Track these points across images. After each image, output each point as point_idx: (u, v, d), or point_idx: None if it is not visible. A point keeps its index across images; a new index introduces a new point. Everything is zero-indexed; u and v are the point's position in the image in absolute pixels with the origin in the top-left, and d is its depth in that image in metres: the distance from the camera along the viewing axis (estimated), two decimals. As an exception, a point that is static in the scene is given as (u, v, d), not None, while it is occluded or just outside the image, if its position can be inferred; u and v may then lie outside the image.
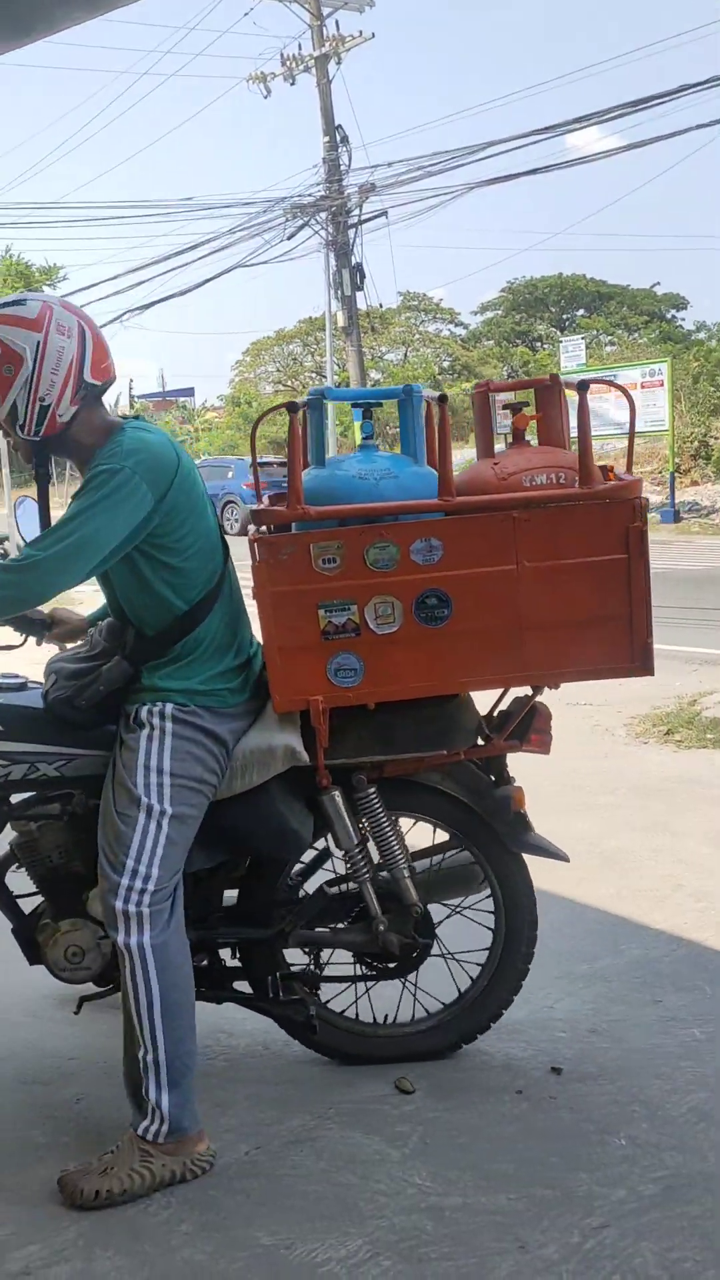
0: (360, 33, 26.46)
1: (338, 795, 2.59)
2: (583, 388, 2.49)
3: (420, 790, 2.69)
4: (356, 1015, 2.83)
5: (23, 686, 2.66)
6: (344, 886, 2.76)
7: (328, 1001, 2.80)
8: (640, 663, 2.55)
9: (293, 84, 27.28)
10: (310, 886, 2.80)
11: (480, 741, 2.69)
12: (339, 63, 26.77)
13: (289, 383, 57.83)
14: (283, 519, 2.50)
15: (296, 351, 57.96)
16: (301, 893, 2.79)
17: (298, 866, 2.77)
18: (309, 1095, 2.67)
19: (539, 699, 2.72)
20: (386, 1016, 2.84)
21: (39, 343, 2.32)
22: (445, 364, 54.40)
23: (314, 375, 56.88)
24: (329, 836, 2.67)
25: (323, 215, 26.03)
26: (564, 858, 2.74)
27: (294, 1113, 2.60)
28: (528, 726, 2.69)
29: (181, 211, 41.59)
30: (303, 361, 58.01)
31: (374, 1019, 2.84)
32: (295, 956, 2.76)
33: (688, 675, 7.25)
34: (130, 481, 2.28)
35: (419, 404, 2.71)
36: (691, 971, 3.21)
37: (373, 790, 2.63)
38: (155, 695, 2.43)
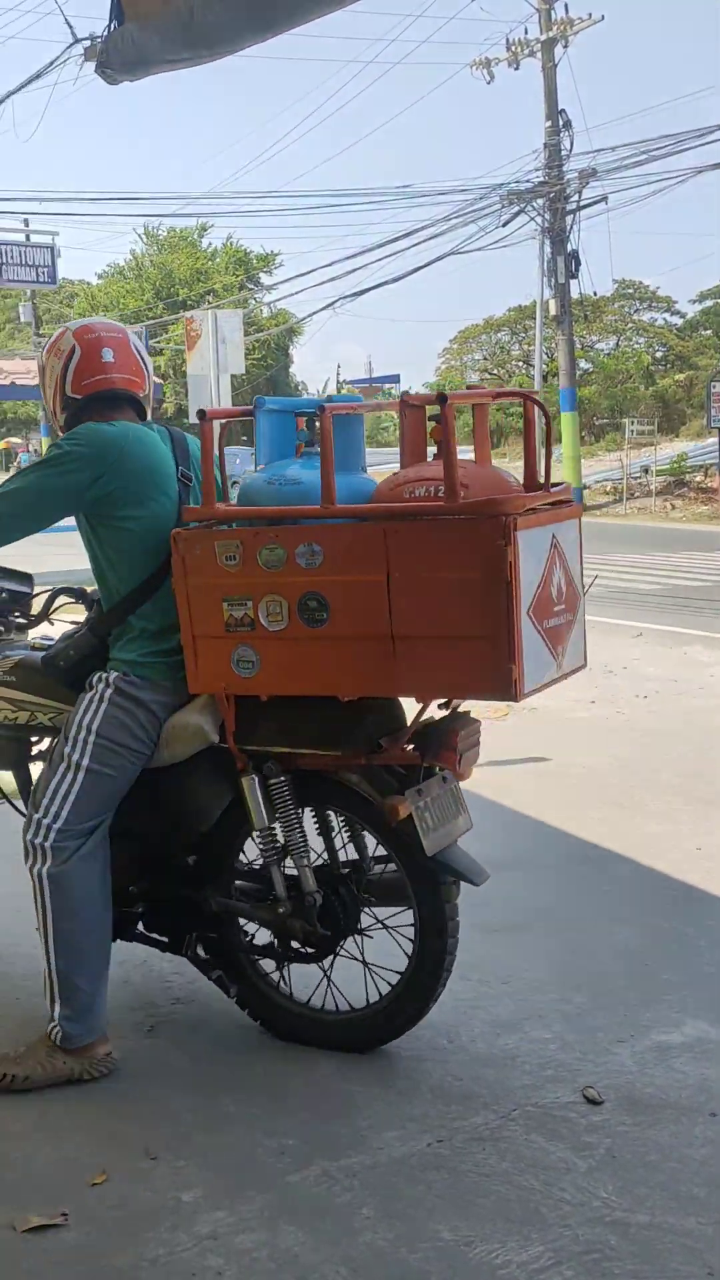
0: (589, 15, 25.93)
1: (255, 779, 2.75)
2: (442, 401, 2.44)
3: (342, 789, 2.78)
4: (290, 993, 2.97)
5: (50, 647, 2.99)
6: (254, 866, 2.96)
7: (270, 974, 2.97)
8: (499, 688, 2.44)
9: (516, 69, 26.97)
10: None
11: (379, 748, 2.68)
12: (565, 46, 26.33)
13: (495, 371, 57.41)
14: (193, 516, 2.68)
15: (504, 340, 57.44)
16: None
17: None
18: (494, 1093, 2.65)
19: (470, 716, 2.77)
20: (310, 999, 2.93)
21: (41, 364, 2.88)
22: (659, 354, 52.91)
23: (521, 364, 56.30)
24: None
25: (539, 201, 25.68)
26: (474, 880, 2.75)
27: (478, 1110, 2.59)
28: (438, 741, 2.66)
29: (398, 199, 41.67)
30: (510, 350, 57.48)
31: (301, 999, 2.95)
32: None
33: None
34: (65, 457, 2.66)
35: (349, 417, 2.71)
36: None
37: (284, 779, 2.76)
38: (111, 664, 2.77)
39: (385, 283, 53.08)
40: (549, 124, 25.79)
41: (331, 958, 2.90)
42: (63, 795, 2.69)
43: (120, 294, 48.38)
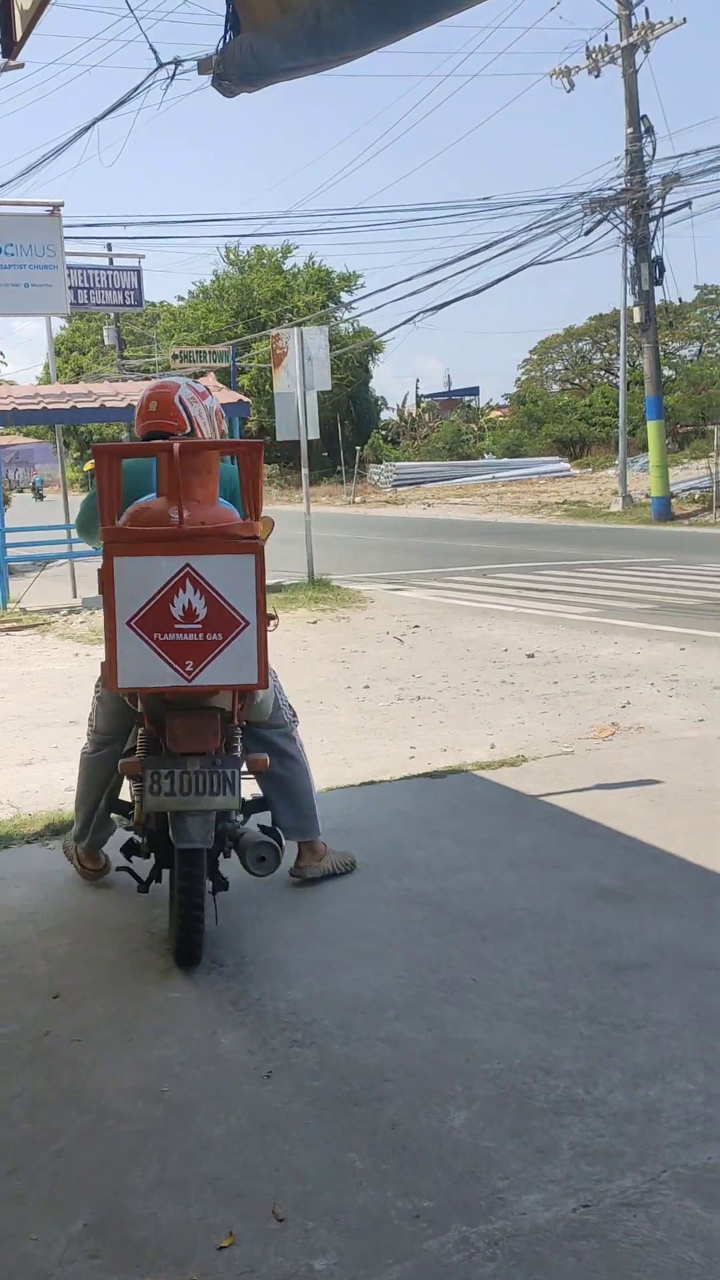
0: (670, 19, 25.57)
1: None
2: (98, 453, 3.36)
3: None
4: None
5: None
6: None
7: None
8: (109, 678, 3.36)
9: (597, 76, 26.68)
10: None
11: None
12: (647, 51, 25.99)
13: (576, 380, 56.87)
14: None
15: (586, 349, 56.90)
16: None
17: None
18: (640, 1152, 2.48)
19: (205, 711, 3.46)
20: None
21: None
22: (743, 360, 51.90)
23: (602, 373, 55.70)
24: None
25: (622, 209, 25.35)
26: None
27: (624, 1170, 2.42)
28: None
29: (479, 211, 41.65)
30: (591, 359, 56.90)
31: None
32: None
33: None
34: None
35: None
36: None
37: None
38: None
39: (465, 295, 52.99)
40: (630, 130, 25.48)
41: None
42: (93, 714, 4.13)
43: (202, 314, 48.96)
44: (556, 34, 49.96)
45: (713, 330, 55.06)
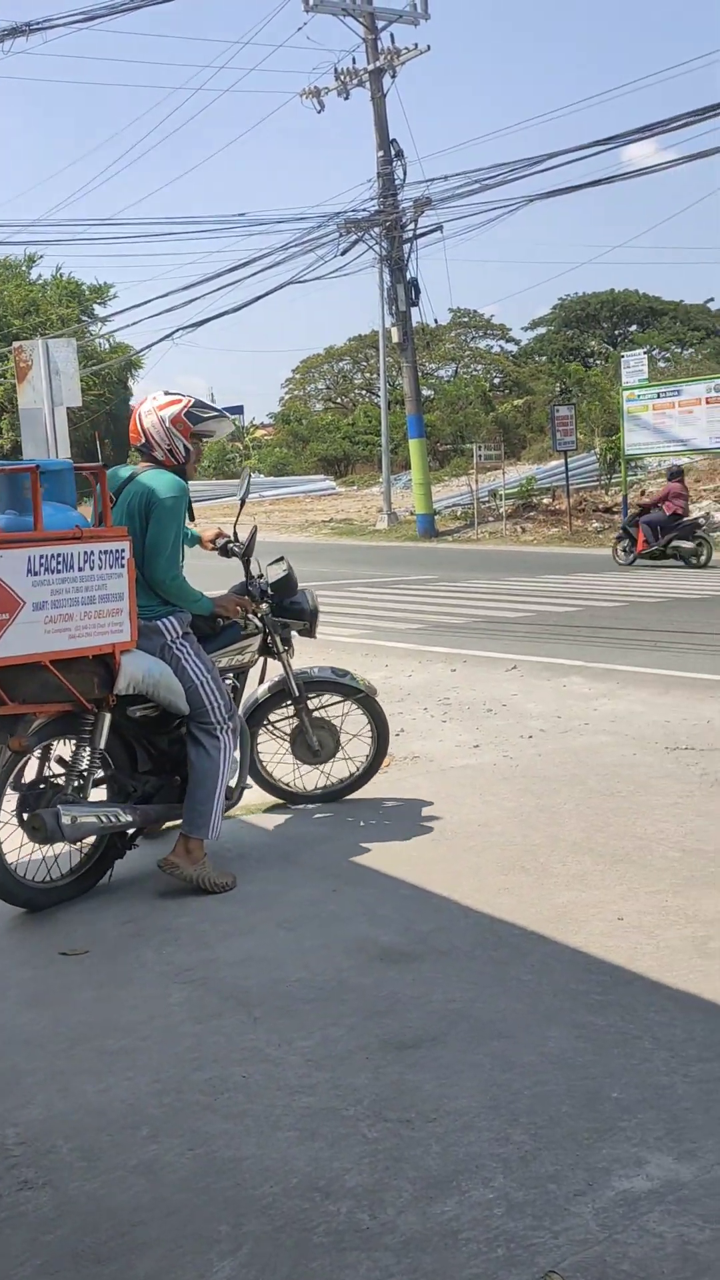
0: (415, 45, 26.06)
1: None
2: None
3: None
4: None
5: None
6: None
7: None
8: None
9: (346, 98, 26.92)
10: None
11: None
12: (394, 76, 26.40)
13: (339, 399, 57.50)
14: None
15: (347, 369, 57.64)
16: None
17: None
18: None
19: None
20: None
21: None
22: (496, 380, 53.84)
23: (364, 392, 56.54)
24: None
25: (377, 230, 25.60)
26: None
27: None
28: None
29: (235, 227, 41.38)
30: (352, 379, 57.69)
31: None
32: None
33: None
34: None
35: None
36: None
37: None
38: None
39: (225, 313, 52.70)
40: (381, 153, 25.80)
41: None
42: None
43: (-54, 328, 46.59)
44: (308, 54, 50.43)
45: (467, 352, 56.86)
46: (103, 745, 4.24)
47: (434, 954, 3.59)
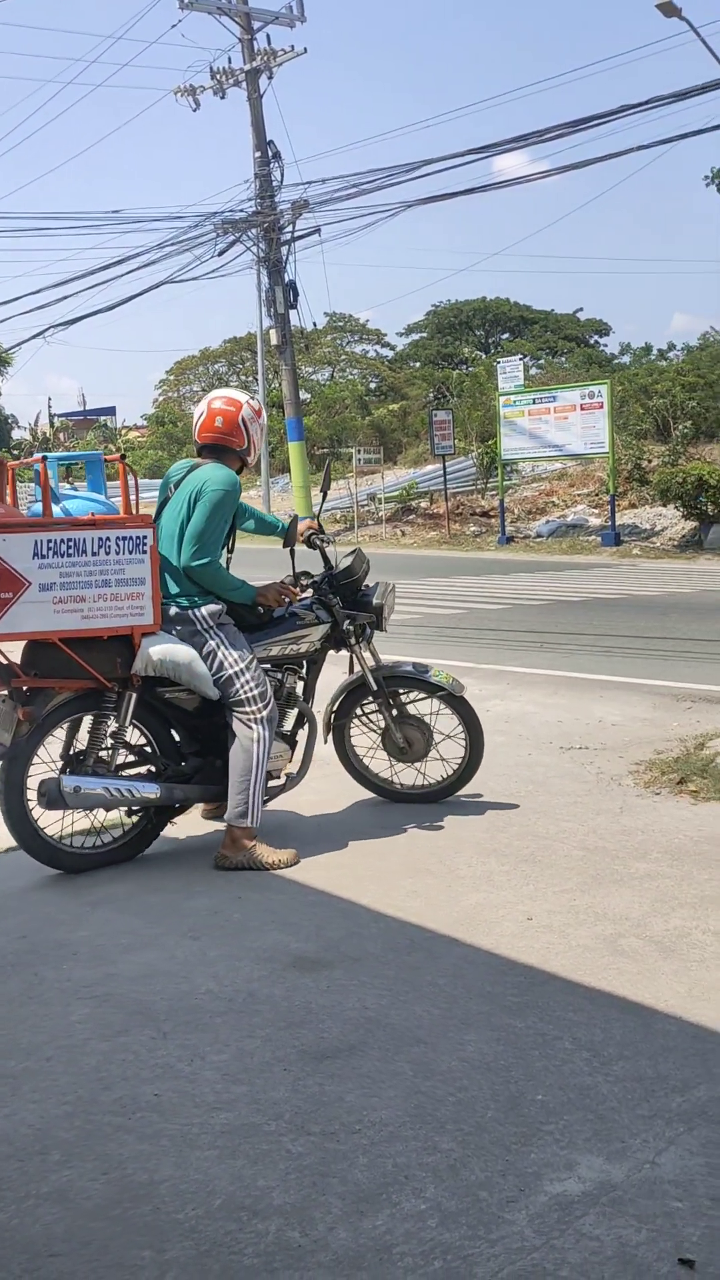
0: (292, 47, 26.03)
1: None
2: None
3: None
4: None
5: None
6: None
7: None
8: None
9: (223, 98, 26.76)
10: None
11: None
12: (270, 77, 26.31)
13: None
14: None
15: (222, 371, 57.24)
16: None
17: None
18: None
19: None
20: None
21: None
22: (372, 385, 54.11)
23: (240, 395, 56.05)
24: None
25: (255, 231, 25.46)
26: None
27: None
28: None
29: (109, 224, 40.45)
30: (228, 381, 57.29)
31: None
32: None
33: (682, 713, 6.76)
34: None
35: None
36: None
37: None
38: None
39: (98, 311, 51.78)
40: (258, 154, 25.69)
41: None
42: None
43: None
44: (185, 52, 49.91)
45: (343, 356, 57.06)
46: (127, 723, 4.43)
47: (346, 960, 3.52)
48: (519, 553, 22.44)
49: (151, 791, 4.42)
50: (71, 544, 4.14)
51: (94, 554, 4.18)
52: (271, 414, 31.98)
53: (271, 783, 4.64)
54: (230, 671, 4.38)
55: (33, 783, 4.34)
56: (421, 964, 3.48)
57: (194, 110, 26.89)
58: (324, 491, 5.13)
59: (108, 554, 4.20)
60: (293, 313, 25.96)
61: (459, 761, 5.11)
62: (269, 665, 4.68)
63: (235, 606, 4.59)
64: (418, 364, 57.85)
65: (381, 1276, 2.12)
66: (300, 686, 4.88)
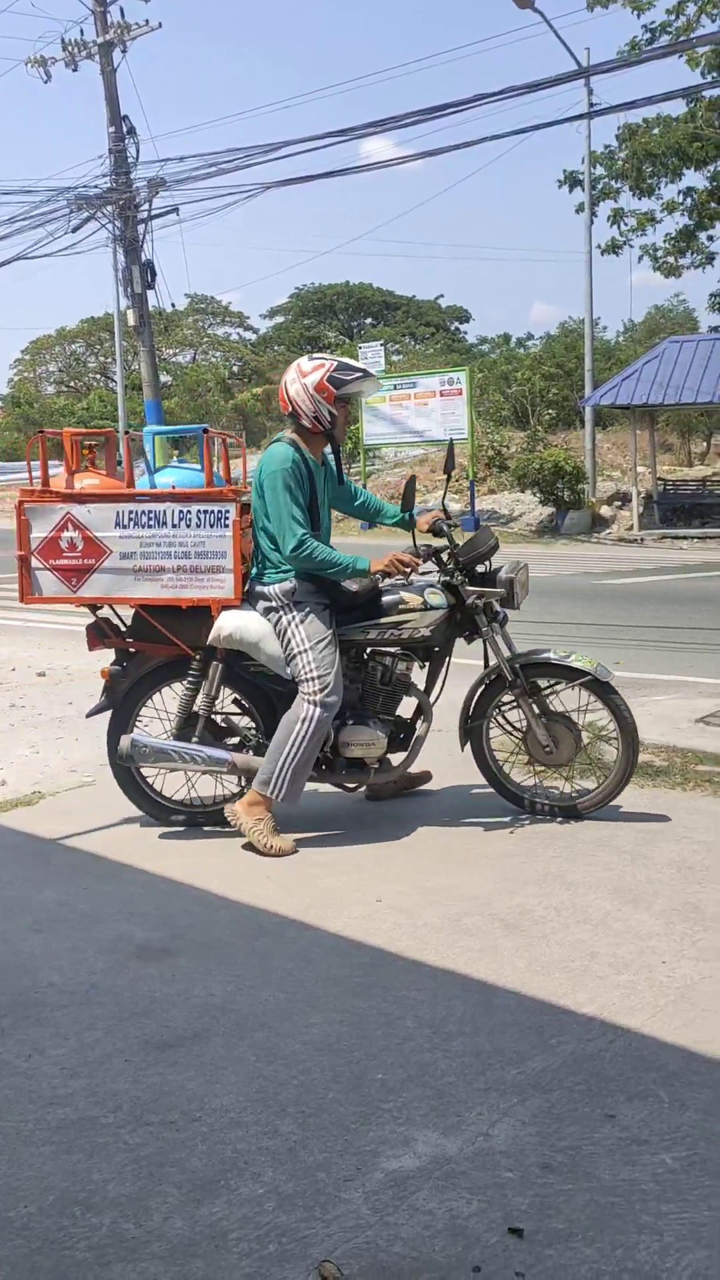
0: (146, 21, 25.50)
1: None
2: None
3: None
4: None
5: None
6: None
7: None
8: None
9: (75, 70, 26.04)
10: None
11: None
12: (124, 51, 25.74)
13: (72, 383, 55.80)
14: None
15: (80, 351, 56.01)
16: None
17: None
18: None
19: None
20: None
21: None
22: (235, 368, 53.70)
23: (98, 376, 55.09)
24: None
25: (110, 208, 24.93)
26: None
27: None
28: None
29: (-47, 199, 39.04)
30: (86, 362, 56.12)
31: None
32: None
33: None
34: None
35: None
36: (637, 1071, 2.73)
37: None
38: None
39: (-53, 289, 49.82)
40: (112, 129, 25.11)
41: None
42: None
43: None
44: (36, 22, 48.42)
45: (205, 339, 56.44)
46: (215, 692, 4.54)
47: (193, 948, 3.50)
48: (381, 537, 22.56)
49: (222, 757, 4.46)
50: (152, 516, 4.37)
51: (174, 526, 4.37)
52: (131, 396, 31.47)
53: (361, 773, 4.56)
54: (295, 650, 4.32)
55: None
56: (270, 949, 3.48)
57: (45, 82, 26.13)
58: (448, 473, 4.60)
59: (188, 527, 4.36)
60: (151, 293, 25.50)
61: (611, 765, 4.53)
62: (371, 650, 4.50)
63: (332, 587, 4.38)
64: (281, 347, 57.62)
65: (216, 1264, 2.12)
66: (418, 675, 4.60)
